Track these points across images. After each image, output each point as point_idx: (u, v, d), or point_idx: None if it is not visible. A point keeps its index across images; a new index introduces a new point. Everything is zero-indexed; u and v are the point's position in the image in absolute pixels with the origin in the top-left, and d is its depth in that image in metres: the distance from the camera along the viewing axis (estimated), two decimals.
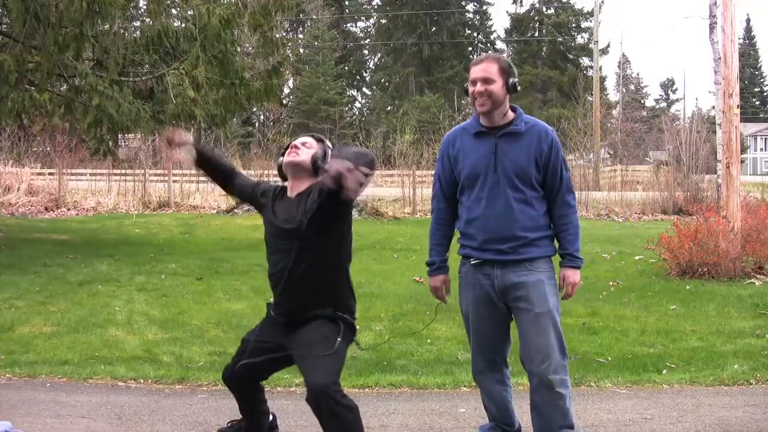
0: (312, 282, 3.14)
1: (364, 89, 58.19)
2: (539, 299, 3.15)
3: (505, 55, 57.13)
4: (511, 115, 3.23)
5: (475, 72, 3.17)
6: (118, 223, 14.14)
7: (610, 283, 8.26)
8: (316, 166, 3.18)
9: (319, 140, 3.32)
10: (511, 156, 3.16)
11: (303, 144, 3.26)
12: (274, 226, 3.22)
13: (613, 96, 53.83)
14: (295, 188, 3.24)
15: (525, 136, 3.18)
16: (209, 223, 14.17)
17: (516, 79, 3.18)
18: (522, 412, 3.62)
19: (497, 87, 3.13)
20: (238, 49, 11.41)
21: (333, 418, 2.97)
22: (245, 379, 3.36)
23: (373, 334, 6.02)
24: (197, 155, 3.38)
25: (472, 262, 3.25)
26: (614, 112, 41.83)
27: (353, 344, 3.32)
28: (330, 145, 3.33)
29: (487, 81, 3.13)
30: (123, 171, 18.76)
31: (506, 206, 3.15)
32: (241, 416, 3.56)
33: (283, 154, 3.30)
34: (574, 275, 3.25)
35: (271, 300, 3.32)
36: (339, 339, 3.11)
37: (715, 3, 12.89)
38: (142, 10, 14.12)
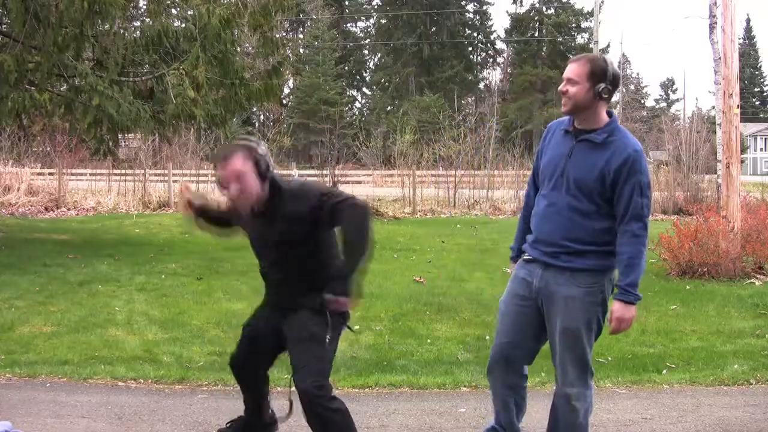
0: (298, 275, 3.17)
1: (364, 89, 58.26)
2: (568, 315, 3.08)
3: (505, 55, 57.26)
4: (602, 121, 3.10)
5: (566, 70, 3.11)
6: (118, 223, 14.14)
7: None
8: (263, 176, 3.07)
9: (245, 148, 3.08)
10: (580, 164, 3.07)
11: (237, 180, 3.02)
12: (255, 237, 3.32)
13: (614, 96, 53.80)
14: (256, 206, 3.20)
15: (600, 147, 3.05)
16: None
17: (605, 86, 3.03)
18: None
19: (579, 90, 3.04)
20: (238, 49, 11.40)
21: (322, 423, 2.97)
22: (253, 364, 3.38)
23: (373, 334, 6.01)
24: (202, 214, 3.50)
25: (524, 257, 3.25)
26: (614, 112, 41.85)
27: (346, 329, 3.33)
28: (256, 142, 3.13)
29: (570, 82, 3.06)
30: (123, 171, 18.78)
31: (562, 212, 3.08)
32: (238, 416, 3.56)
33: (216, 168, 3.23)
34: (622, 310, 3.02)
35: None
36: (328, 337, 3.07)
37: (715, 3, 12.89)
38: (142, 10, 14.12)
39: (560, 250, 3.08)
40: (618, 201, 3.02)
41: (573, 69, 3.07)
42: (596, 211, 3.04)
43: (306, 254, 3.13)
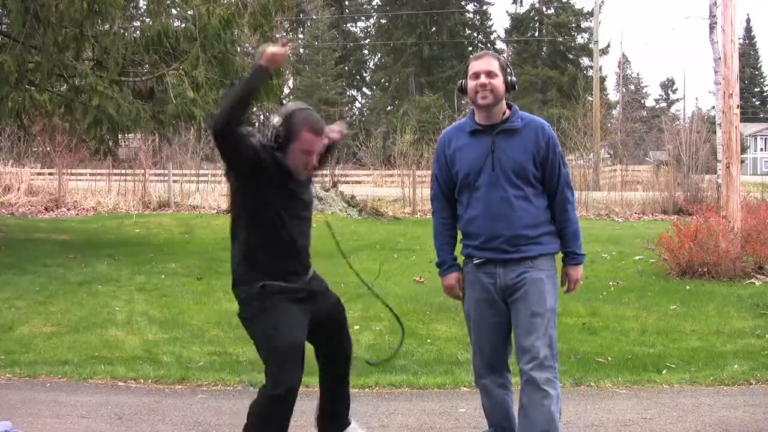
0: (309, 236, 3.28)
1: (364, 89, 58.20)
2: (537, 298, 3.13)
3: (505, 55, 57.32)
4: (507, 112, 3.22)
5: (479, 65, 3.15)
6: (118, 223, 14.13)
7: (610, 283, 8.26)
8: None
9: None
10: (509, 153, 3.14)
11: (319, 151, 3.14)
12: (294, 197, 3.15)
13: (613, 96, 53.79)
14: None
15: (522, 132, 3.17)
16: (209, 223, 14.16)
17: (514, 78, 3.20)
18: None
19: (499, 82, 3.13)
20: (238, 49, 11.41)
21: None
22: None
23: (373, 334, 6.01)
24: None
25: (475, 262, 3.23)
26: (614, 112, 41.80)
27: None
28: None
29: (490, 74, 3.12)
30: (123, 171, 18.77)
31: (506, 204, 3.13)
32: None
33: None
34: (576, 272, 3.27)
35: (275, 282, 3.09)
36: None
37: (715, 3, 12.90)
38: (142, 10, 14.13)
39: (519, 241, 3.14)
40: (550, 173, 3.20)
41: (489, 62, 3.17)
42: (535, 194, 3.19)
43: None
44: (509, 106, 3.24)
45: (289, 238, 3.11)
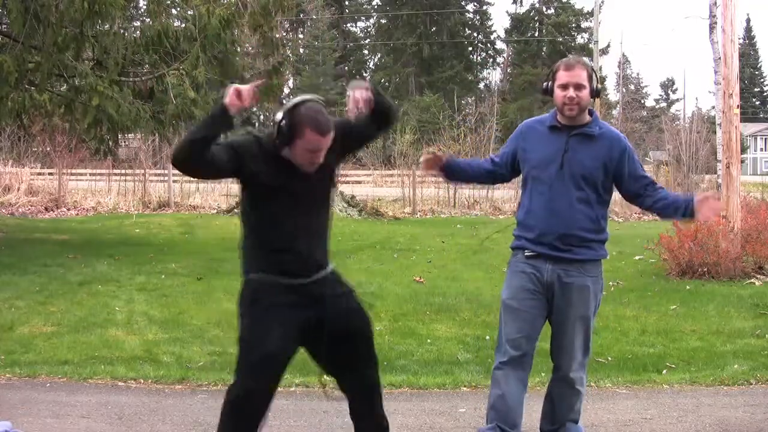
0: (323, 230, 3.01)
1: None
2: (581, 304, 3.26)
3: (505, 55, 57.38)
4: (587, 117, 3.29)
5: (569, 77, 3.20)
6: (118, 223, 14.13)
7: (611, 283, 8.25)
8: None
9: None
10: (580, 157, 3.23)
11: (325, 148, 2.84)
12: (297, 192, 2.89)
13: (613, 96, 53.76)
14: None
15: (597, 140, 3.25)
16: (209, 223, 14.17)
17: (599, 86, 3.29)
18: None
19: (586, 93, 3.21)
20: (238, 49, 11.41)
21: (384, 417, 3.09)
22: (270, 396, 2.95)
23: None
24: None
25: (526, 254, 3.30)
26: (614, 112, 41.78)
27: None
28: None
29: (579, 87, 3.19)
30: (123, 171, 18.78)
31: (568, 204, 3.21)
32: None
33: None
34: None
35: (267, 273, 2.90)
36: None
37: (715, 3, 12.90)
38: (142, 10, 14.14)
39: (573, 241, 3.22)
40: (634, 178, 3.29)
41: (579, 74, 3.21)
42: (597, 200, 3.26)
43: (329, 203, 3.09)
44: (590, 112, 3.31)
45: (288, 235, 2.89)
